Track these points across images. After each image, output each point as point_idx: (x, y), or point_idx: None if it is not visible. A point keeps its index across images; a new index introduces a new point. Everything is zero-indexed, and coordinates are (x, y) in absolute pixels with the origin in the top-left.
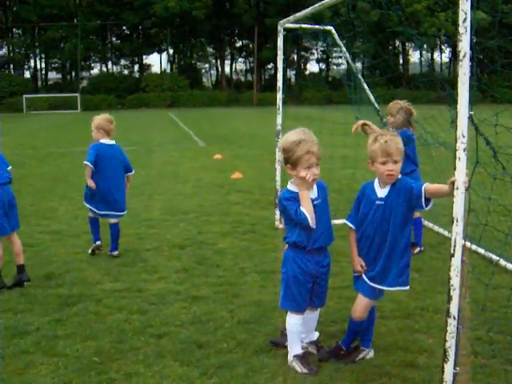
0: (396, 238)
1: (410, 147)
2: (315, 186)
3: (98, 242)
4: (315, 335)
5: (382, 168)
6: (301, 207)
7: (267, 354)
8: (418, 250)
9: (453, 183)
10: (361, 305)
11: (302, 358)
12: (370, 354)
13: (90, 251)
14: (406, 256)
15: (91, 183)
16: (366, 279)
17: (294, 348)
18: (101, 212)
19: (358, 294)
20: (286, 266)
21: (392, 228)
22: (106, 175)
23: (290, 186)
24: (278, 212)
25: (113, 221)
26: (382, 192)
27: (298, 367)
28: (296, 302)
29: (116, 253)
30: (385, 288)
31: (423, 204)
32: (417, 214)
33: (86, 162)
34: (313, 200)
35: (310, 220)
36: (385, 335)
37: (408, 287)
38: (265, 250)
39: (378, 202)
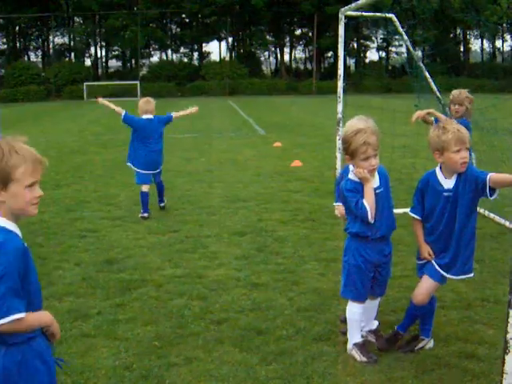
0: (463, 227)
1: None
2: (377, 175)
3: (146, 214)
4: (375, 324)
5: (455, 157)
6: (364, 200)
7: (326, 341)
8: None
9: None
10: (424, 287)
11: (362, 346)
12: (429, 343)
13: (140, 216)
14: (471, 244)
15: (101, 101)
16: (434, 264)
17: (354, 336)
18: (143, 171)
19: (421, 279)
20: (348, 254)
21: (459, 218)
22: (145, 142)
23: (352, 176)
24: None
25: (157, 179)
26: (448, 183)
27: (358, 355)
28: (357, 290)
29: (162, 204)
30: (452, 277)
31: (488, 193)
32: None
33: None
34: (375, 189)
35: (369, 215)
36: (445, 325)
37: (472, 274)
38: (324, 239)
39: (445, 194)
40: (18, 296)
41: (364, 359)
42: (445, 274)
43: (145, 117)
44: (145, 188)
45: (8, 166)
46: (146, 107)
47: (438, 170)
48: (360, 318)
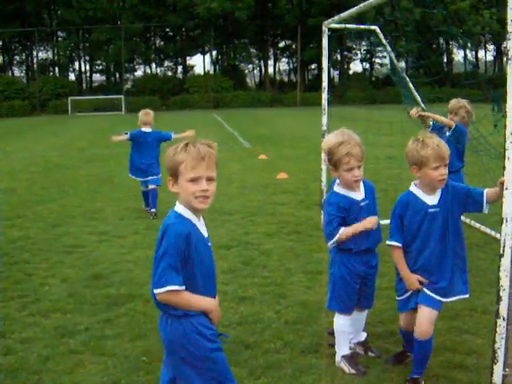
0: (456, 243)
1: (463, 142)
2: (362, 187)
3: (147, 208)
4: (363, 336)
5: (434, 173)
6: (344, 228)
7: (314, 354)
8: None
9: (502, 183)
10: (425, 319)
11: (350, 358)
12: None
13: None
14: (465, 260)
15: (113, 139)
16: (428, 292)
17: (342, 348)
18: (139, 179)
19: (419, 310)
20: (334, 266)
21: (452, 233)
22: (141, 153)
23: (337, 188)
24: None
25: (151, 187)
26: (432, 199)
27: (346, 368)
28: (344, 302)
29: (153, 210)
30: (450, 300)
31: (484, 208)
32: None
33: (125, 132)
34: (360, 201)
35: (333, 240)
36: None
37: (468, 295)
38: (310, 251)
39: (431, 210)
40: (176, 272)
41: (353, 371)
42: (442, 299)
43: (143, 129)
44: (143, 188)
45: (176, 162)
46: (144, 119)
47: (414, 188)
48: (348, 330)
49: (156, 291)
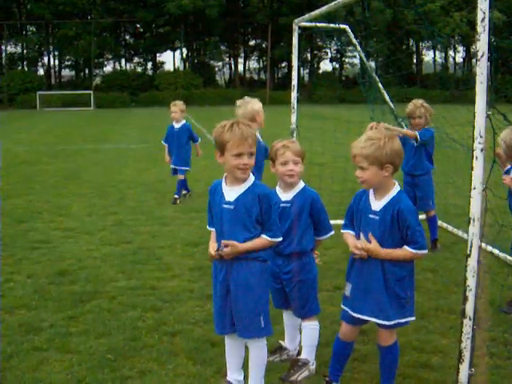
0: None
1: (431, 144)
2: (296, 191)
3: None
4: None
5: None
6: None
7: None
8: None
9: None
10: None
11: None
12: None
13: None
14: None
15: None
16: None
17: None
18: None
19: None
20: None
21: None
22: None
23: (277, 187)
24: None
25: (180, 177)
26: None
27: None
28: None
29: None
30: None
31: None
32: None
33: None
34: (282, 203)
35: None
36: (399, 335)
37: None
38: None
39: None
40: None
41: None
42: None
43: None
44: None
45: (223, 139)
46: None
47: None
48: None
49: None
